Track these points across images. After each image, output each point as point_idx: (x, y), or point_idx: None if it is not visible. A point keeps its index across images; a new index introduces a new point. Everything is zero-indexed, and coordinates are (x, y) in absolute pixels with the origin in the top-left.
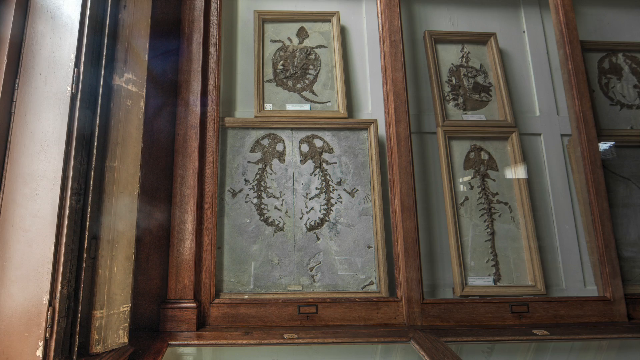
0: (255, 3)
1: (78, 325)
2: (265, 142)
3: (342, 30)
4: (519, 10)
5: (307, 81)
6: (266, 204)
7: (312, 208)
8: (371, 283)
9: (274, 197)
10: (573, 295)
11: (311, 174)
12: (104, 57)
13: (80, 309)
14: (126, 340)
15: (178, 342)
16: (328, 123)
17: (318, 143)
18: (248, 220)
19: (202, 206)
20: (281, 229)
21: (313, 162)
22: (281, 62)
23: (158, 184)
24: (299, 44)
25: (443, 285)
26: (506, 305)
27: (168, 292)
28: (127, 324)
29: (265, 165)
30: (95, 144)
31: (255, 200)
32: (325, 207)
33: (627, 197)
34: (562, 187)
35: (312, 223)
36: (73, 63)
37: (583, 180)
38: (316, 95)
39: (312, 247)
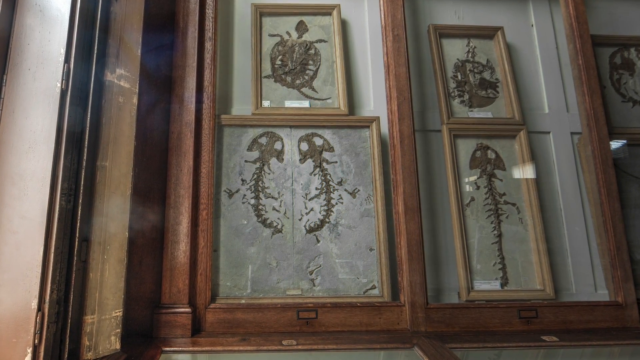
0: None
1: (68, 331)
2: (263, 140)
3: (343, 24)
4: (527, 3)
5: (306, 77)
6: (264, 205)
7: (311, 209)
8: (373, 287)
9: (272, 197)
10: (583, 299)
11: (311, 174)
12: (95, 52)
13: (70, 314)
14: (118, 346)
15: (172, 349)
16: (328, 121)
17: (318, 141)
18: (245, 222)
19: (197, 207)
20: (280, 231)
21: (313, 161)
22: (280, 57)
23: (151, 184)
24: (298, 38)
25: (448, 289)
26: (514, 310)
27: (162, 296)
28: (119, 330)
29: (263, 165)
30: (86, 143)
31: (252, 201)
32: (325, 208)
33: None
34: (572, 187)
35: (312, 225)
36: (63, 58)
37: (594, 180)
38: (316, 91)
39: (311, 249)
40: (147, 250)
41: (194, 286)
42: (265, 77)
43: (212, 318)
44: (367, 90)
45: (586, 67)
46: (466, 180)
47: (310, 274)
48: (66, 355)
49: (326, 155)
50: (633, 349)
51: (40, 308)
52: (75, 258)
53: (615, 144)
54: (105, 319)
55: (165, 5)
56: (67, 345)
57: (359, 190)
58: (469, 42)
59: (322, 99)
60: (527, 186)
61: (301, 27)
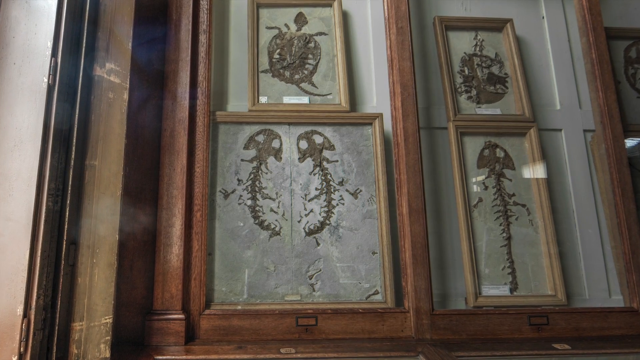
0: None
1: (55, 338)
2: (260, 138)
3: (345, 16)
4: None
5: (306, 72)
6: (261, 206)
7: (311, 210)
8: (376, 292)
9: (270, 198)
10: (597, 305)
11: (310, 173)
12: (84, 45)
13: (57, 320)
14: (108, 354)
15: (165, 357)
16: (329, 117)
17: (318, 139)
18: (241, 224)
19: (191, 208)
20: (277, 234)
21: (312, 160)
22: (278, 50)
23: (143, 184)
24: (297, 30)
25: (454, 294)
26: (524, 316)
27: (154, 302)
28: (109, 337)
29: (260, 164)
30: (74, 141)
31: (249, 202)
32: (325, 209)
33: None
34: (584, 188)
35: (312, 227)
36: (50, 52)
37: (608, 180)
38: (316, 87)
39: (311, 253)
40: (138, 253)
41: (188, 291)
42: (262, 71)
43: (206, 325)
44: (370, 86)
45: (600, 62)
46: (474, 180)
47: (310, 279)
48: None
49: (326, 153)
50: None
51: (26, 314)
52: (62, 262)
53: (630, 142)
54: (94, 326)
55: None
56: (54, 354)
57: (361, 191)
58: (476, 35)
59: (323, 95)
60: (537, 186)
61: (300, 19)
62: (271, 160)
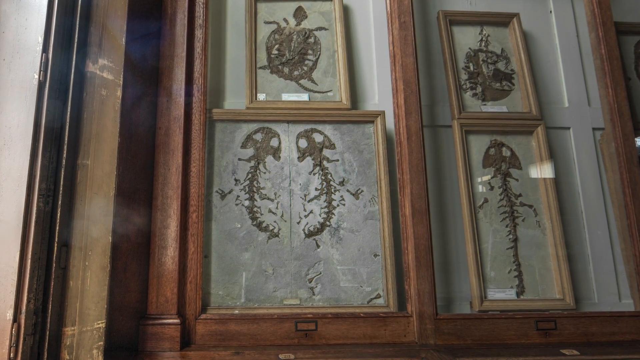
0: None
1: (46, 343)
2: (258, 136)
3: (345, 10)
4: None
5: (305, 68)
6: (259, 207)
7: (311, 211)
8: (378, 296)
9: (268, 199)
10: (606, 309)
11: (310, 173)
12: (76, 40)
13: (48, 325)
14: None
15: None
16: (329, 115)
17: (318, 138)
18: (239, 225)
19: (186, 209)
20: (276, 235)
21: (312, 159)
22: (276, 46)
23: (137, 184)
24: (296, 25)
25: (459, 298)
26: (531, 321)
27: (148, 306)
28: (101, 343)
29: (258, 163)
30: (66, 139)
31: (246, 203)
32: (326, 210)
33: None
34: (594, 188)
35: (311, 228)
36: (41, 47)
37: (618, 180)
38: (316, 83)
39: (311, 255)
40: (132, 256)
41: (183, 295)
42: (260, 68)
43: (202, 330)
44: (372, 83)
45: (609, 57)
46: (479, 180)
47: (310, 282)
48: None
49: (327, 152)
50: None
51: (16, 319)
52: (54, 264)
53: None
54: (86, 331)
55: None
56: (45, 359)
57: (362, 191)
58: (482, 30)
59: (323, 92)
60: (545, 186)
61: (300, 14)
62: (269, 159)
